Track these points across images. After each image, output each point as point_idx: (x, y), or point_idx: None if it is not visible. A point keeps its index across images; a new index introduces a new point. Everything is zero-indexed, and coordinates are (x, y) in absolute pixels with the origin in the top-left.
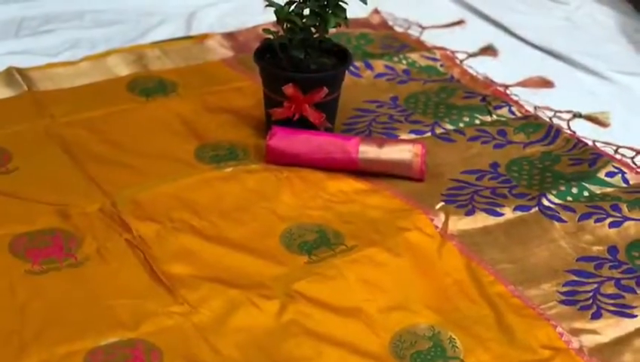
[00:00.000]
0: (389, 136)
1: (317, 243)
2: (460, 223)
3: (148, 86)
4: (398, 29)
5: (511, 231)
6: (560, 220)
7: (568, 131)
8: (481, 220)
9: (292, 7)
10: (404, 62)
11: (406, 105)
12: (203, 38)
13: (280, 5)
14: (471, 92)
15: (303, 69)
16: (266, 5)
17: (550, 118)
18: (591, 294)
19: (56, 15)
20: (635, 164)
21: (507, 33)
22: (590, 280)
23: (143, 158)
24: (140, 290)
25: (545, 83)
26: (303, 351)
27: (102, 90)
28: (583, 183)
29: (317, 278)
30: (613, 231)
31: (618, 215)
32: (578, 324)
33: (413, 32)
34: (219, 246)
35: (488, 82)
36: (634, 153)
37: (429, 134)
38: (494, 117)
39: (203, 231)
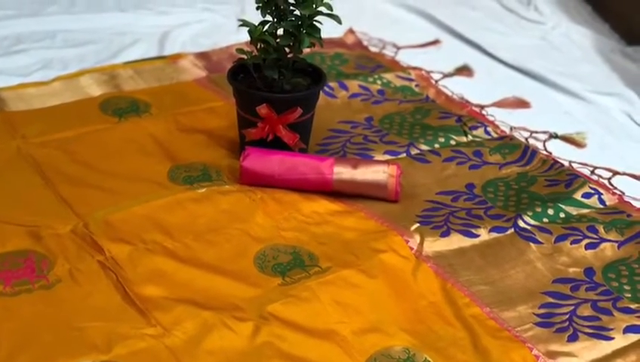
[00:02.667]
0: (363, 157)
1: (291, 265)
2: (436, 244)
3: (120, 106)
4: (373, 49)
5: (486, 253)
6: (536, 241)
7: (544, 152)
8: (456, 241)
9: (266, 26)
10: (378, 82)
11: (381, 126)
12: (176, 57)
13: (254, 25)
14: (446, 112)
15: (276, 89)
16: (240, 25)
17: (526, 139)
18: (567, 316)
19: (28, 35)
20: (612, 185)
21: (483, 53)
22: (566, 302)
23: (116, 179)
24: (112, 312)
25: (521, 103)
26: None
27: (74, 111)
28: (559, 204)
29: (291, 300)
30: (589, 252)
31: (594, 236)
32: (554, 346)
33: (388, 51)
34: (192, 267)
35: (464, 102)
36: (610, 174)
37: (404, 155)
38: (470, 137)
39: (176, 252)
